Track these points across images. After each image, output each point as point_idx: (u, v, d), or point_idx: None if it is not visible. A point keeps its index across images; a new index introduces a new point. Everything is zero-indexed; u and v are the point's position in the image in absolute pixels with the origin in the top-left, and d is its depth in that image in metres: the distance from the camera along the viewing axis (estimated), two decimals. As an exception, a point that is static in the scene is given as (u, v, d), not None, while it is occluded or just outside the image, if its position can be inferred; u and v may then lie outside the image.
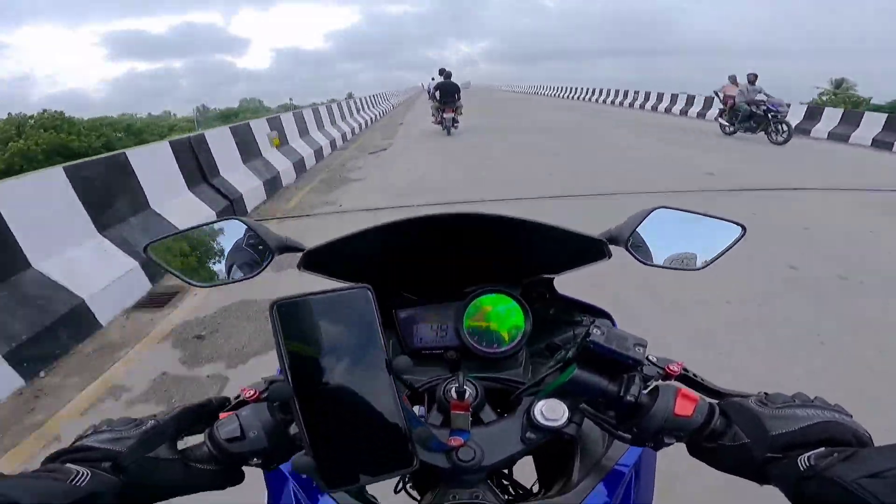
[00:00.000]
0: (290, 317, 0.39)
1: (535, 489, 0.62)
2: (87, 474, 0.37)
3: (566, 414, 0.45)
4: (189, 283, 0.65)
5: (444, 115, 10.19)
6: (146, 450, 0.41)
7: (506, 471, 0.61)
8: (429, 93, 12.05)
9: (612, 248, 0.63)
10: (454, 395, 0.50)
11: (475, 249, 0.65)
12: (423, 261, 0.67)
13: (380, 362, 0.39)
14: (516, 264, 0.67)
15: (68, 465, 0.38)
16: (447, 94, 10.16)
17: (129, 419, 0.43)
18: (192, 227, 0.67)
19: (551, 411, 0.45)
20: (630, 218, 0.62)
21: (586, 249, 0.64)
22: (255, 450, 0.43)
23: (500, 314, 0.64)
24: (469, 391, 0.50)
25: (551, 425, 0.44)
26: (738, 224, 0.63)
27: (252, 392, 0.46)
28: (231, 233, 0.67)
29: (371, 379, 0.39)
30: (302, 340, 0.39)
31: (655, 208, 0.62)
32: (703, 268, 0.64)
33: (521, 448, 0.46)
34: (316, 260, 0.63)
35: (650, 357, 0.46)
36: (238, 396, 0.47)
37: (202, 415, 0.47)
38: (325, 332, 0.39)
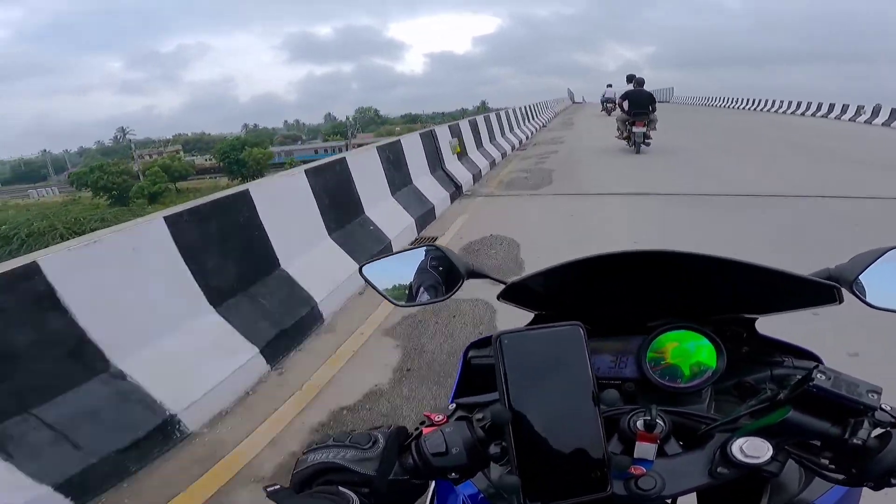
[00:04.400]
0: (511, 348, 0.49)
1: None
2: (357, 502, 0.46)
3: (770, 452, 0.47)
4: (391, 302, 0.82)
5: (634, 130, 9.26)
6: (389, 471, 0.51)
7: (669, 501, 0.62)
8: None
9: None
10: (642, 426, 0.53)
11: (665, 284, 0.70)
12: (607, 292, 0.73)
13: (587, 393, 0.48)
14: (710, 301, 0.71)
15: (341, 489, 0.48)
16: (638, 105, 9.22)
17: (360, 434, 0.53)
18: (397, 252, 0.86)
19: (753, 449, 0.48)
20: (857, 257, 0.64)
21: (805, 292, 0.65)
22: (455, 465, 0.50)
23: (688, 351, 0.68)
24: (659, 424, 0.53)
25: (751, 462, 0.47)
26: None
27: (440, 417, 0.56)
28: (427, 257, 0.82)
29: (577, 409, 0.48)
30: (520, 369, 0.48)
31: (892, 248, 0.62)
32: None
33: (708, 482, 0.49)
34: (513, 292, 0.74)
35: (883, 405, 0.47)
36: (423, 422, 0.56)
37: (409, 432, 0.55)
38: (540, 363, 0.49)
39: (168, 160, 59.28)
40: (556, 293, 0.77)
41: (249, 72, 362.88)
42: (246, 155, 54.53)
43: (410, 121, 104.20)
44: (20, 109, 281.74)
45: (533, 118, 17.30)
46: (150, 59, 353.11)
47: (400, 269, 0.85)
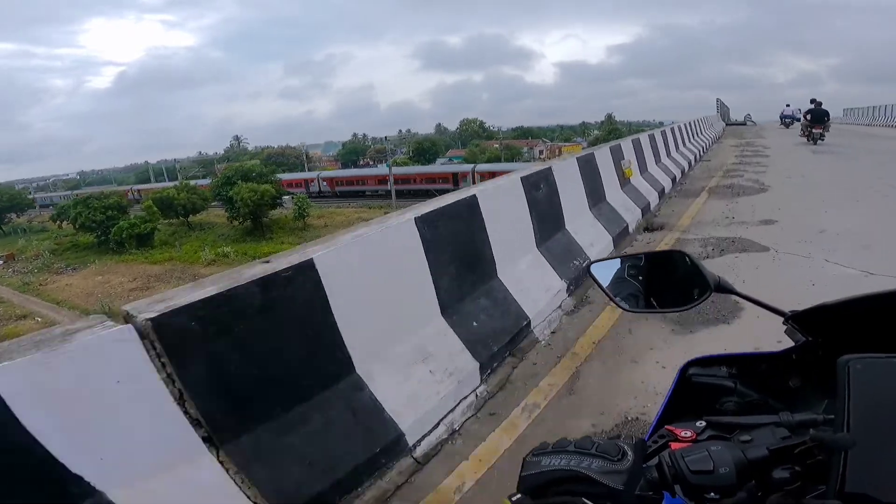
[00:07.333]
0: (862, 374, 0.50)
1: None
2: None
3: None
4: (618, 306, 0.85)
5: (814, 131, 15.44)
6: (636, 486, 0.52)
7: None
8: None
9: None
10: None
11: None
12: None
13: None
14: None
15: (584, 499, 0.50)
16: (818, 118, 15.63)
17: (609, 443, 0.54)
18: (635, 254, 0.87)
19: None
20: None
21: None
22: (720, 485, 0.52)
23: None
24: None
25: None
26: None
27: (688, 433, 0.59)
28: (670, 264, 0.85)
29: None
30: (870, 398, 0.49)
31: None
32: None
33: None
34: (803, 318, 0.75)
35: None
36: (663, 436, 0.60)
37: (649, 445, 0.59)
38: None
39: (175, 191, 48.38)
40: (852, 322, 0.75)
41: (386, 80, 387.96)
42: (234, 192, 42.15)
43: (521, 135, 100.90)
44: (210, 111, 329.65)
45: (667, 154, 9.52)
46: (306, 67, 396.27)
47: (634, 272, 0.86)
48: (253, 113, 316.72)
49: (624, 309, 0.84)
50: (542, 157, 64.89)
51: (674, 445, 0.56)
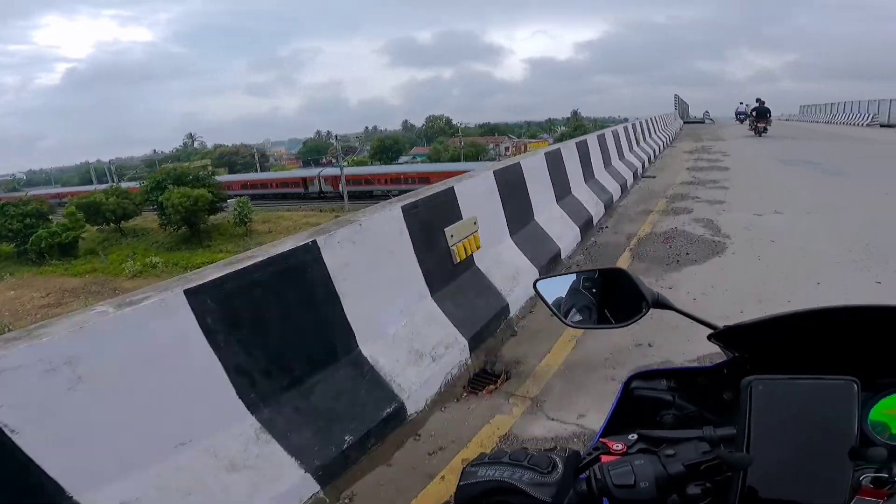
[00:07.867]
0: (763, 394, 0.52)
1: None
2: None
3: None
4: (562, 321, 0.87)
5: (759, 125, 19.56)
6: (564, 498, 0.52)
7: None
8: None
9: None
10: (869, 482, 0.54)
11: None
12: (831, 341, 0.73)
13: (843, 448, 0.49)
14: None
15: None
16: (761, 115, 19.76)
17: (540, 456, 0.55)
18: (578, 271, 0.90)
19: None
20: None
21: None
22: (640, 499, 0.52)
23: None
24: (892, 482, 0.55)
25: None
26: None
27: (620, 446, 0.59)
28: (611, 281, 0.86)
29: (827, 463, 0.49)
30: (768, 415, 0.51)
31: None
32: None
33: None
34: (725, 336, 0.78)
35: None
36: (597, 448, 0.60)
37: (583, 457, 0.59)
38: (794, 412, 0.51)
39: (103, 195, 43.91)
40: (771, 339, 0.77)
41: (356, 76, 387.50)
42: (165, 198, 38.25)
43: (488, 132, 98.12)
44: (171, 107, 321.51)
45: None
46: (273, 62, 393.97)
47: (577, 289, 0.88)
48: (217, 109, 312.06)
49: (568, 325, 0.87)
50: (507, 153, 62.46)
51: (605, 458, 0.57)
